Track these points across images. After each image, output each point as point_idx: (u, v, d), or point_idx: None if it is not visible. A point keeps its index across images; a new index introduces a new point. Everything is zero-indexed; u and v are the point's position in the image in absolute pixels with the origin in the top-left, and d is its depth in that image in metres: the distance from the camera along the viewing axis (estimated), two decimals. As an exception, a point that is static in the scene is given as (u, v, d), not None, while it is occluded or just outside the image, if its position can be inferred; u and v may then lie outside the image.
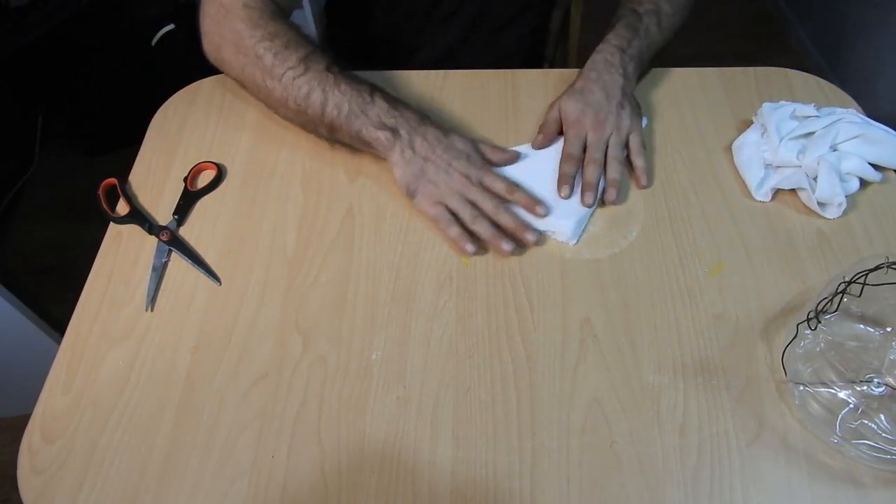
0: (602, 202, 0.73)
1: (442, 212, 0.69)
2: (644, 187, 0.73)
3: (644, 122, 0.78)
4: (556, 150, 0.76)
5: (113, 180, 0.75)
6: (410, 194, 0.70)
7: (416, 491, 0.55)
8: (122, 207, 0.73)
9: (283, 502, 0.54)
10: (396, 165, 0.70)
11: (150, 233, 0.70)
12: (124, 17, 1.69)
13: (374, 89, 0.72)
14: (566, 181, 0.72)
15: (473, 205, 0.69)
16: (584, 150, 0.74)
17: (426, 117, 0.73)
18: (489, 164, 0.73)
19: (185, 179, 0.75)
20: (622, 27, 0.78)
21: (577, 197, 0.72)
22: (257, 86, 0.73)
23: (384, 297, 0.66)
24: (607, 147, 0.74)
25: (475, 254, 0.68)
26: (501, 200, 0.70)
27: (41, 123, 1.90)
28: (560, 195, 0.72)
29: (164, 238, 0.70)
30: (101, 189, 0.74)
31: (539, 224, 0.70)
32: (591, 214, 0.72)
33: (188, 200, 0.73)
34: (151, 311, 0.65)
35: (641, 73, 0.80)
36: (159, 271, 0.68)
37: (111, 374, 0.61)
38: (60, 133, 1.89)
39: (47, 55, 1.62)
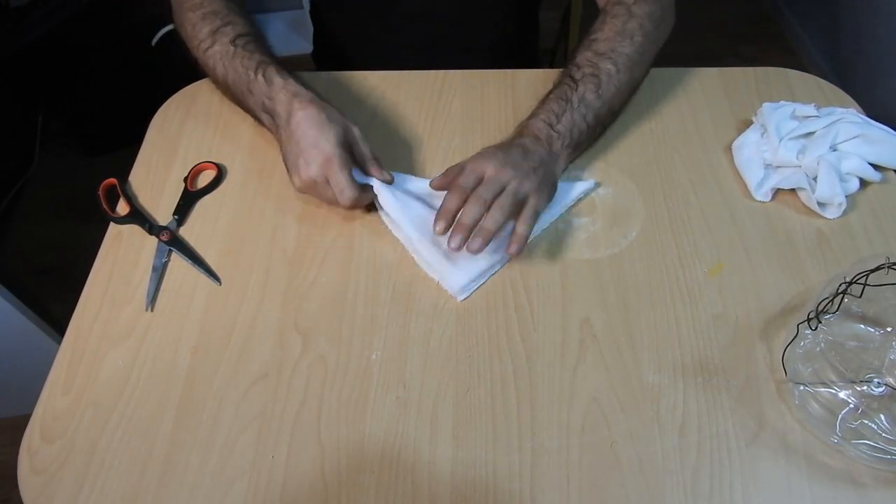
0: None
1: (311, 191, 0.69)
2: (510, 254, 0.64)
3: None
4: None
5: (113, 180, 0.75)
6: (290, 176, 0.69)
7: (415, 491, 0.55)
8: (122, 207, 0.73)
9: (283, 502, 0.54)
10: (281, 145, 0.70)
11: (150, 233, 0.70)
12: (124, 17, 1.69)
13: (260, 65, 0.71)
14: (445, 216, 0.64)
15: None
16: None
17: (299, 97, 0.68)
18: (339, 165, 0.66)
19: (185, 179, 0.75)
20: (554, 100, 0.72)
21: (483, 253, 0.64)
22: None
23: (384, 297, 0.66)
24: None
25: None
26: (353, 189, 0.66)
27: (41, 123, 1.90)
28: (434, 229, 0.64)
29: (164, 238, 0.70)
30: (101, 189, 0.74)
31: (429, 268, 0.67)
32: (493, 272, 0.67)
33: (188, 200, 0.73)
34: (151, 311, 0.65)
35: (580, 144, 0.73)
36: (159, 271, 0.68)
37: (111, 374, 0.61)
38: (60, 133, 1.89)
39: (47, 55, 1.62)
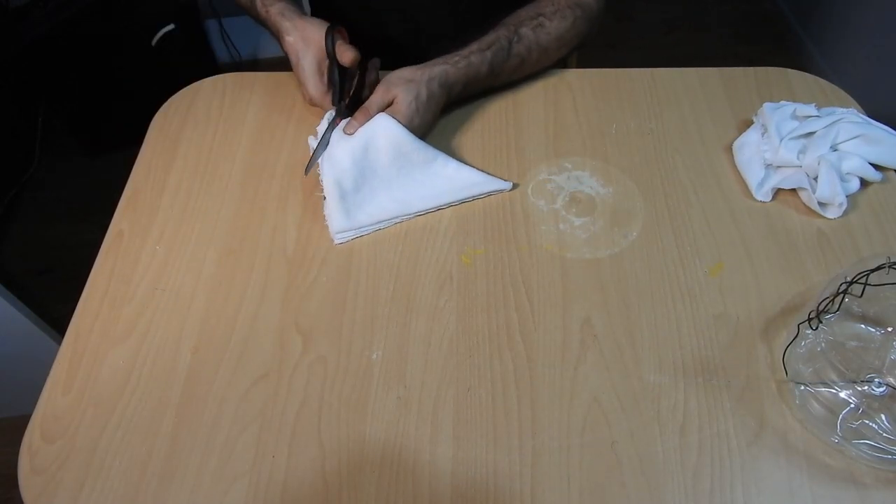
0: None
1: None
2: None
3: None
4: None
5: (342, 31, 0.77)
6: None
7: (416, 491, 0.55)
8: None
9: (283, 502, 0.54)
10: None
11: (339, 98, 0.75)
12: (124, 17, 1.69)
13: None
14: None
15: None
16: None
17: (285, 28, 0.76)
18: (308, 73, 0.75)
19: (335, 59, 0.75)
20: (474, 52, 0.78)
21: (377, 201, 0.72)
22: None
23: (384, 297, 0.66)
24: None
25: (477, 250, 0.68)
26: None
27: (41, 123, 1.90)
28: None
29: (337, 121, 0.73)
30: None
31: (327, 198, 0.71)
32: (378, 227, 0.71)
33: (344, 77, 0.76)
34: (306, 175, 0.74)
35: (469, 88, 0.79)
36: (322, 143, 0.72)
37: (111, 374, 0.61)
38: (60, 133, 1.89)
39: (47, 55, 1.62)
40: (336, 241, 0.70)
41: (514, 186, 0.74)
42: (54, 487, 0.55)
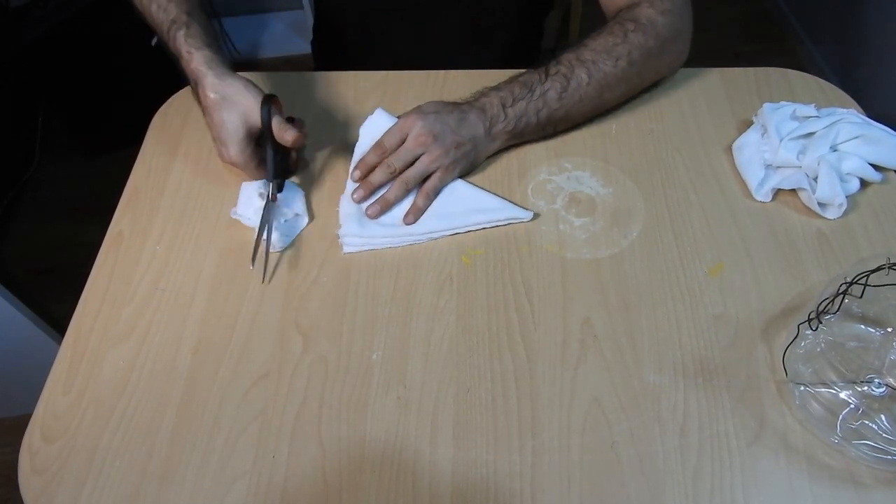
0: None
1: None
2: (407, 222, 0.70)
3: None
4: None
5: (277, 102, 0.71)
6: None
7: (416, 491, 0.55)
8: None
9: (284, 502, 0.54)
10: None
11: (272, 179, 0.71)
12: (124, 17, 1.68)
13: (174, 23, 0.72)
14: (361, 168, 0.72)
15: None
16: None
17: (207, 78, 0.70)
18: (236, 152, 0.70)
19: (272, 140, 0.71)
20: (519, 83, 0.73)
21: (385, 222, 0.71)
22: None
23: (384, 297, 0.66)
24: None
25: (477, 251, 0.68)
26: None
27: (41, 123, 1.90)
28: (351, 177, 0.72)
29: (273, 198, 0.70)
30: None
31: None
32: (387, 245, 0.69)
33: (281, 160, 0.72)
34: (253, 267, 0.67)
35: (522, 134, 0.74)
36: (267, 227, 0.68)
37: (112, 374, 0.61)
38: (60, 133, 1.89)
39: (47, 55, 1.62)
40: (345, 250, 0.69)
41: (535, 217, 0.71)
42: (54, 487, 0.55)
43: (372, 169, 0.71)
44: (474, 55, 0.97)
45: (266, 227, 0.68)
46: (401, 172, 0.71)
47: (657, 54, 0.76)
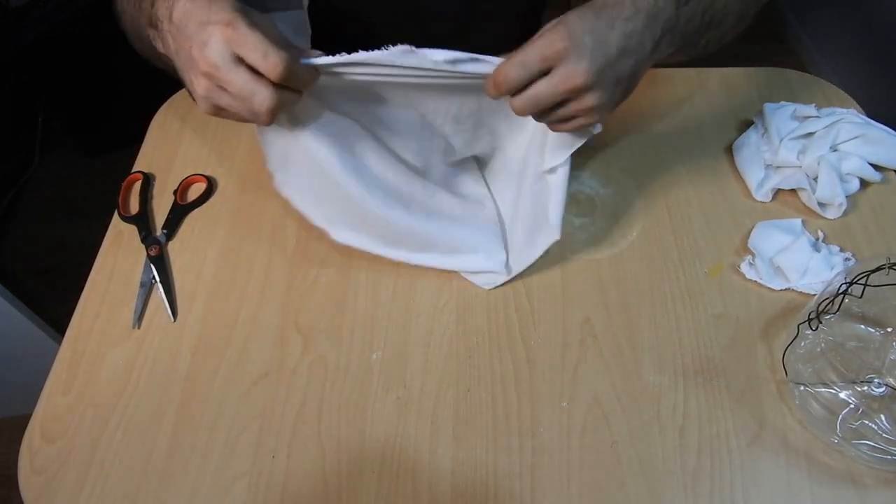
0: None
1: (206, 107, 0.50)
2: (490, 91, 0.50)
3: (597, 127, 0.56)
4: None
5: (139, 176, 0.74)
6: (192, 96, 0.52)
7: (416, 491, 0.55)
8: (134, 206, 0.73)
9: (283, 502, 0.54)
10: (176, 66, 0.53)
11: (143, 242, 0.70)
12: (124, 17, 1.69)
13: None
14: (497, 82, 0.49)
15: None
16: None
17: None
18: (245, 26, 0.46)
19: (175, 193, 0.74)
20: None
21: (485, 217, 0.65)
22: None
23: (384, 297, 0.66)
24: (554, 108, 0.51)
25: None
26: (254, 79, 0.47)
27: (41, 123, 1.90)
28: (488, 90, 0.50)
29: (151, 253, 0.68)
30: (125, 182, 0.74)
31: (447, 263, 0.66)
32: (508, 233, 0.64)
33: (178, 214, 0.72)
34: (138, 328, 0.64)
35: (681, 49, 0.58)
36: (147, 288, 0.66)
37: (111, 374, 0.61)
38: (60, 133, 1.89)
39: (47, 55, 1.62)
40: (501, 280, 0.65)
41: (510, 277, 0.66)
42: (54, 487, 0.55)
43: (508, 88, 0.49)
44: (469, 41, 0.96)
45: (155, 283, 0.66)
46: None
47: None
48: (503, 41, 1.00)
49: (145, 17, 0.55)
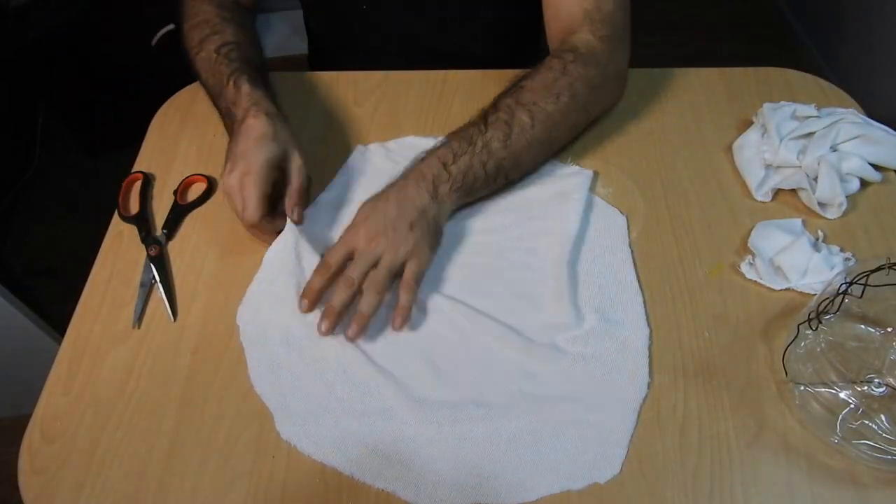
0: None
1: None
2: (395, 328, 0.60)
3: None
4: None
5: (139, 176, 0.74)
6: None
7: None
8: (134, 206, 0.73)
9: (283, 502, 0.54)
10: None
11: (143, 242, 0.70)
12: (124, 17, 1.69)
13: (235, 72, 0.71)
14: (308, 296, 0.61)
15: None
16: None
17: (257, 106, 0.67)
18: (254, 182, 0.64)
19: (175, 193, 0.74)
20: (458, 138, 0.67)
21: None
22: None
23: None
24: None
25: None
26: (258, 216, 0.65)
27: (41, 123, 1.90)
28: (300, 308, 0.61)
29: (151, 253, 0.68)
30: (124, 182, 0.74)
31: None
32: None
33: (178, 214, 0.72)
34: (138, 328, 0.64)
35: (472, 190, 0.68)
36: (147, 288, 0.66)
37: (112, 374, 0.61)
38: (60, 133, 1.89)
39: (47, 55, 1.62)
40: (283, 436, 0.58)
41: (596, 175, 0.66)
42: (54, 487, 0.55)
43: (319, 294, 0.61)
44: (465, 56, 0.96)
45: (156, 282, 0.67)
46: (360, 284, 0.61)
47: (600, 84, 0.73)
48: (500, 26, 1.00)
49: (225, 102, 0.71)
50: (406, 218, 0.63)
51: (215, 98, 0.73)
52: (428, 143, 0.71)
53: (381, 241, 0.62)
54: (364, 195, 0.67)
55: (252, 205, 0.64)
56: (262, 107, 0.68)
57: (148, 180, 0.75)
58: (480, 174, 0.67)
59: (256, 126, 0.66)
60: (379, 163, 0.75)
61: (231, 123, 0.69)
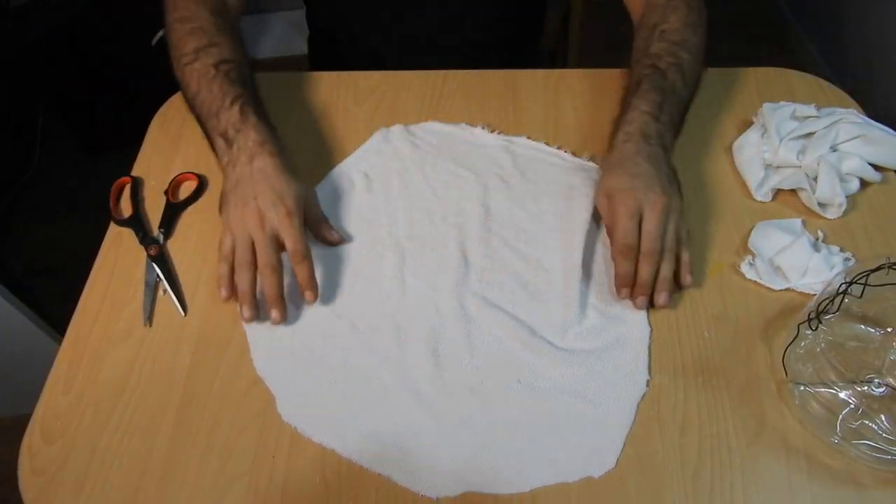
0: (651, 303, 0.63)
1: (227, 242, 0.64)
2: (686, 286, 0.64)
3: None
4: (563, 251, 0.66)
5: (127, 179, 0.74)
6: (221, 209, 0.67)
7: (416, 491, 0.55)
8: (126, 209, 0.73)
9: (283, 502, 0.54)
10: (223, 175, 0.68)
11: (141, 243, 0.70)
12: (124, 17, 1.69)
13: (239, 97, 0.69)
14: (625, 281, 0.62)
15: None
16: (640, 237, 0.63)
17: (270, 143, 0.67)
18: (298, 224, 0.63)
19: (166, 193, 0.73)
20: (648, 89, 0.69)
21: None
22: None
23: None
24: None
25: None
26: (279, 261, 0.63)
27: (41, 123, 1.90)
28: (619, 296, 0.62)
29: (151, 252, 0.68)
30: (114, 186, 0.73)
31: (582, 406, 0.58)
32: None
33: (172, 212, 0.72)
34: (150, 325, 0.64)
35: (677, 134, 0.72)
36: (152, 287, 0.66)
37: (111, 374, 0.61)
38: (60, 133, 1.89)
39: (47, 55, 1.62)
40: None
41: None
42: (54, 487, 0.55)
43: (632, 273, 0.62)
44: (468, 55, 0.97)
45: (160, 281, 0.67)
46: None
47: (700, 7, 0.77)
48: (501, 24, 1.00)
49: (223, 125, 0.68)
50: (664, 174, 0.66)
51: (206, 115, 0.70)
52: (452, 129, 0.77)
53: (665, 205, 0.63)
54: (378, 172, 0.69)
55: (303, 241, 0.63)
56: (273, 144, 0.68)
57: (136, 183, 0.75)
58: (677, 118, 0.71)
59: (277, 165, 0.66)
60: (399, 145, 0.76)
61: (228, 147, 0.68)
